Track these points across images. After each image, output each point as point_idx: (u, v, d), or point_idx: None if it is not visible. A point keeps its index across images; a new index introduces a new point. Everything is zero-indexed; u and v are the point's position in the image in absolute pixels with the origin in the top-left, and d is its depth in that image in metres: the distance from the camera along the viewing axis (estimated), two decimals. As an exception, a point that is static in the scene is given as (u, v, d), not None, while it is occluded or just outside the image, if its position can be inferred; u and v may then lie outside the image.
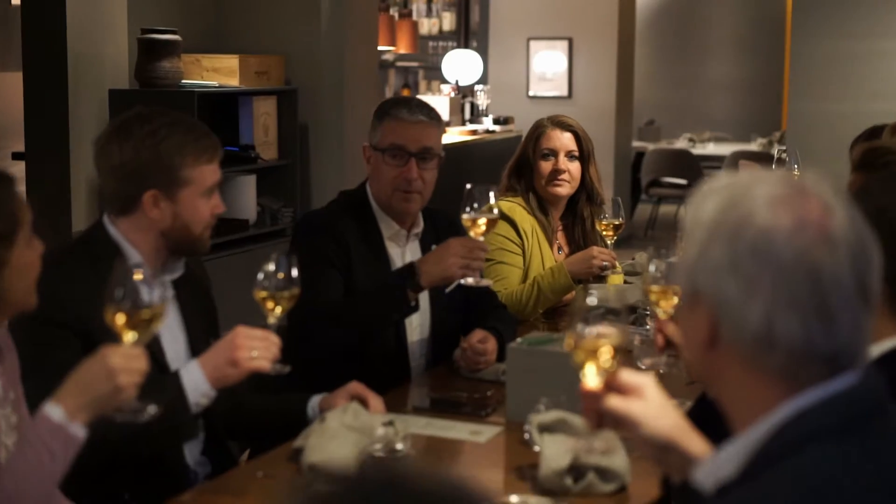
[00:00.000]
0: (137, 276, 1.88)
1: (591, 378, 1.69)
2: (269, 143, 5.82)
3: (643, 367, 2.92)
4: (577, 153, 3.81)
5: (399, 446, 2.37)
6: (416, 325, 3.12)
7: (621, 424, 1.62)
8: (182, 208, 2.47)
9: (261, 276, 2.26)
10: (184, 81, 5.38)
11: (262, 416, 2.76)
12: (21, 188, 1.98)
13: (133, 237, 2.47)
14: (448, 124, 7.87)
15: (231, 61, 5.59)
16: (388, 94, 10.29)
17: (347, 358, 2.97)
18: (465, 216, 2.77)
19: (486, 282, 2.88)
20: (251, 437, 2.88)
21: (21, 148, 5.32)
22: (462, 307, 3.23)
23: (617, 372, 1.64)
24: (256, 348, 2.25)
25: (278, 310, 2.27)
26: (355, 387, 2.63)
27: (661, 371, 2.37)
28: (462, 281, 2.84)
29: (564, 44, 9.94)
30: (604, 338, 1.71)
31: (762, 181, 1.37)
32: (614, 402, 1.60)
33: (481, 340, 2.98)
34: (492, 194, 2.77)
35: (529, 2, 10.02)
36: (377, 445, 2.36)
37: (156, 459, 2.42)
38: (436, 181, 3.12)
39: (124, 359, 1.83)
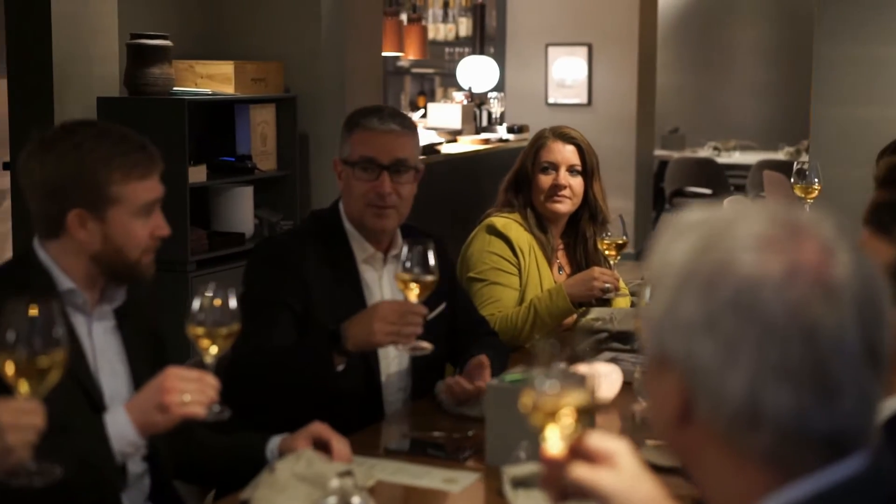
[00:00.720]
0: (32, 313, 1.62)
1: (553, 443, 1.42)
2: (267, 153, 5.58)
3: (643, 404, 2.65)
4: (579, 167, 3.53)
5: (356, 500, 2.10)
6: (394, 356, 2.85)
7: (588, 497, 1.35)
8: (112, 229, 2.22)
9: (195, 308, 2.01)
10: (175, 89, 5.14)
11: (218, 458, 2.50)
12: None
13: (63, 262, 2.22)
14: (460, 132, 7.62)
15: (226, 68, 5.35)
16: (404, 101, 10.05)
17: (319, 394, 2.72)
18: (398, 275, 2.50)
19: (426, 346, 2.55)
20: (207, 480, 2.63)
21: (8, 157, 5.12)
22: (448, 335, 2.97)
23: (583, 435, 1.37)
24: (189, 391, 1.99)
25: (214, 348, 2.02)
26: (318, 428, 2.37)
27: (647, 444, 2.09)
28: (395, 348, 2.58)
29: (584, 50, 9.67)
30: (567, 397, 1.44)
31: (746, 217, 1.10)
32: (580, 471, 1.33)
33: (477, 367, 2.72)
34: (430, 253, 2.48)
35: (548, 7, 9.75)
36: (331, 499, 2.09)
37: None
38: (414, 196, 2.85)
39: (14, 414, 1.58)
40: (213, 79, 5.36)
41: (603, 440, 1.35)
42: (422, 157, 6.90)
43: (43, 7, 4.82)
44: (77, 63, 4.96)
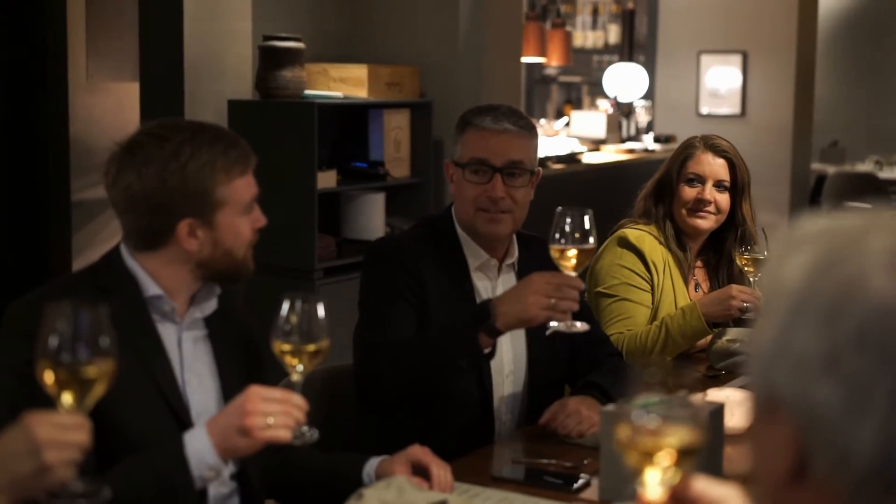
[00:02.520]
0: (78, 320, 1.48)
1: (652, 488, 1.21)
2: (400, 160, 5.44)
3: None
4: (727, 183, 3.26)
5: (448, 535, 1.92)
6: (507, 375, 2.65)
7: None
8: (222, 233, 2.09)
9: (280, 323, 1.85)
10: (307, 92, 5.04)
11: (313, 478, 2.35)
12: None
13: (157, 271, 2.09)
14: (604, 142, 7.37)
15: (360, 71, 5.23)
16: (550, 110, 9.85)
17: (419, 411, 2.54)
18: (552, 246, 2.31)
19: (580, 326, 2.37)
20: (301, 500, 2.47)
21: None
22: (568, 354, 2.75)
23: (687, 480, 1.16)
24: (273, 413, 1.83)
25: (301, 366, 1.86)
26: (417, 452, 2.20)
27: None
28: (550, 324, 2.36)
29: (738, 58, 9.29)
30: (669, 434, 1.22)
31: (880, 228, 0.87)
32: (684, 522, 1.13)
33: (568, 413, 2.51)
34: (587, 218, 2.30)
35: (701, 13, 9.40)
36: (421, 533, 1.91)
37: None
38: (530, 201, 2.65)
39: (55, 430, 1.43)
40: (347, 82, 5.24)
41: (710, 486, 1.13)
42: (561, 165, 6.73)
43: (175, 11, 4.77)
44: (209, 66, 4.90)
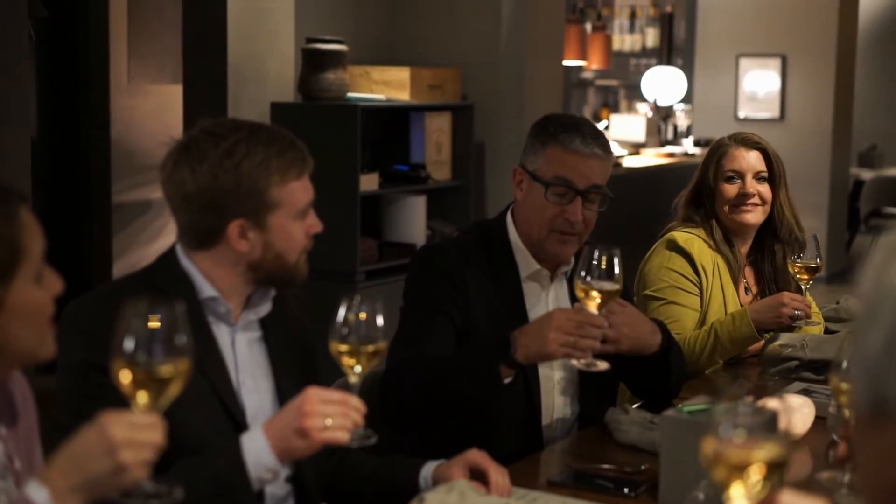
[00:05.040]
0: (154, 319, 1.47)
1: (738, 502, 1.19)
2: (441, 163, 5.43)
3: (840, 444, 2.37)
4: (765, 174, 3.24)
5: (511, 540, 1.90)
6: (558, 382, 2.63)
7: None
8: (274, 236, 2.06)
9: (339, 323, 1.83)
10: (349, 95, 5.04)
11: (368, 481, 2.33)
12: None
13: (211, 271, 2.07)
14: (643, 146, 7.34)
15: (402, 74, 5.23)
16: (587, 114, 9.81)
17: (471, 418, 2.52)
18: (578, 283, 2.29)
19: (601, 365, 2.34)
20: (354, 503, 2.46)
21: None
22: (621, 356, 2.72)
23: (775, 493, 1.14)
24: (331, 415, 1.82)
25: (359, 367, 1.85)
26: (475, 456, 2.17)
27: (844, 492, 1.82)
28: (571, 362, 2.36)
29: (777, 61, 9.23)
30: (756, 450, 1.19)
31: None
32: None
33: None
34: (616, 259, 2.29)
35: (740, 16, 9.35)
36: (484, 537, 1.90)
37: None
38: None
39: (130, 429, 1.43)
40: (389, 85, 5.24)
41: (797, 500, 1.11)
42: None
43: (219, 13, 4.79)
44: (252, 68, 4.91)
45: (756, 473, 1.17)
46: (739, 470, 1.18)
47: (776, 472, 1.18)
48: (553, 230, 2.57)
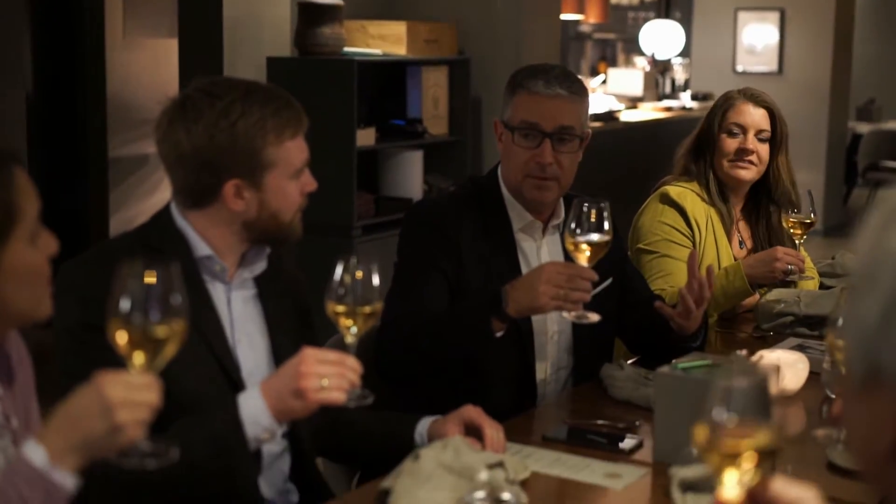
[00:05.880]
0: (149, 279, 1.47)
1: (730, 488, 1.20)
2: (438, 117, 5.42)
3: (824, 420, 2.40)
4: (768, 134, 3.23)
5: (506, 496, 1.91)
6: (552, 336, 2.63)
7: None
8: (269, 195, 2.06)
9: (335, 283, 1.84)
10: (346, 49, 5.02)
11: (364, 438, 2.34)
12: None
13: (206, 230, 2.07)
14: (641, 99, 7.31)
15: (398, 28, 5.20)
16: (584, 68, 9.77)
17: (466, 372, 2.53)
18: (567, 236, 2.30)
19: (592, 317, 2.34)
20: (352, 460, 2.48)
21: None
22: (617, 311, 2.73)
23: (766, 481, 1.14)
24: (327, 375, 1.83)
25: (356, 328, 1.85)
26: (470, 412, 2.19)
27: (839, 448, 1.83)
28: (563, 314, 2.36)
29: (776, 15, 9.19)
30: (748, 436, 1.20)
31: None
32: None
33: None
34: (605, 213, 2.30)
35: (739, -31, 9.30)
36: (479, 493, 1.91)
37: (221, 496, 2.03)
38: (577, 165, 2.62)
39: (127, 389, 1.43)
40: (385, 39, 5.22)
41: (788, 487, 1.11)
42: (598, 123, 6.68)
43: (215, -35, 4.76)
44: (247, 23, 4.89)
45: (747, 460, 1.18)
46: (731, 458, 1.18)
47: (768, 457, 1.19)
48: (528, 175, 2.56)
